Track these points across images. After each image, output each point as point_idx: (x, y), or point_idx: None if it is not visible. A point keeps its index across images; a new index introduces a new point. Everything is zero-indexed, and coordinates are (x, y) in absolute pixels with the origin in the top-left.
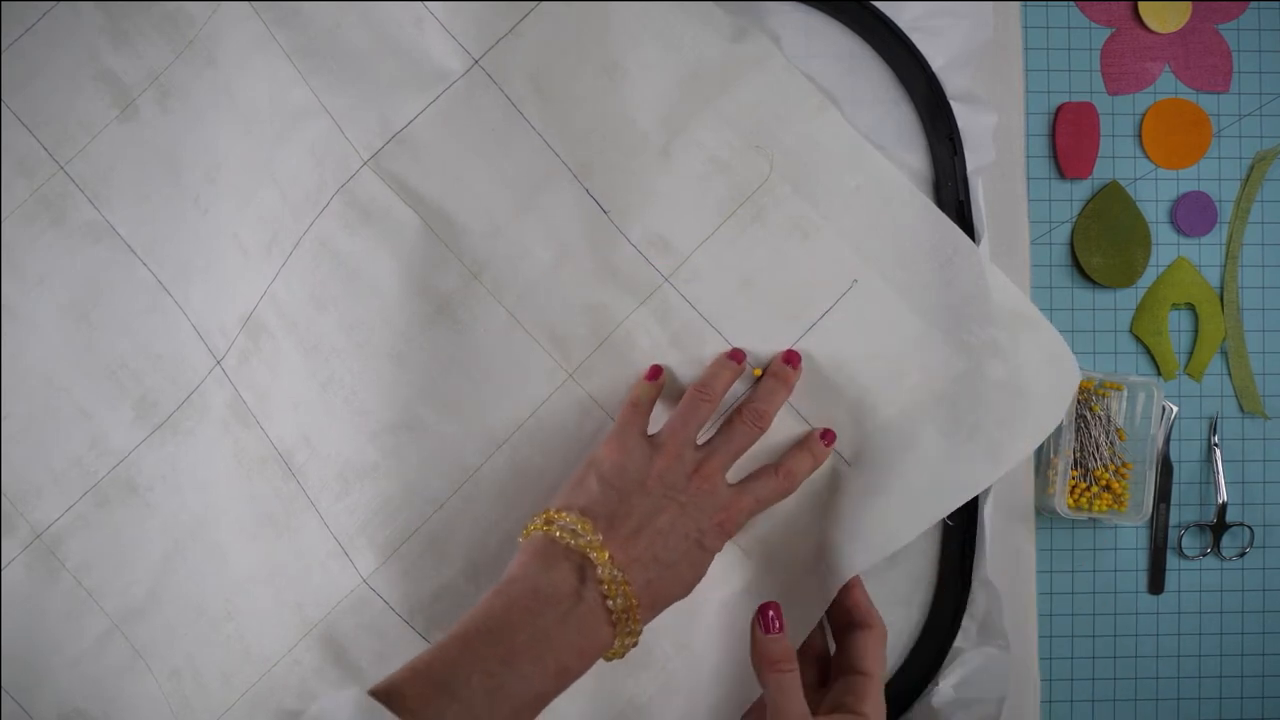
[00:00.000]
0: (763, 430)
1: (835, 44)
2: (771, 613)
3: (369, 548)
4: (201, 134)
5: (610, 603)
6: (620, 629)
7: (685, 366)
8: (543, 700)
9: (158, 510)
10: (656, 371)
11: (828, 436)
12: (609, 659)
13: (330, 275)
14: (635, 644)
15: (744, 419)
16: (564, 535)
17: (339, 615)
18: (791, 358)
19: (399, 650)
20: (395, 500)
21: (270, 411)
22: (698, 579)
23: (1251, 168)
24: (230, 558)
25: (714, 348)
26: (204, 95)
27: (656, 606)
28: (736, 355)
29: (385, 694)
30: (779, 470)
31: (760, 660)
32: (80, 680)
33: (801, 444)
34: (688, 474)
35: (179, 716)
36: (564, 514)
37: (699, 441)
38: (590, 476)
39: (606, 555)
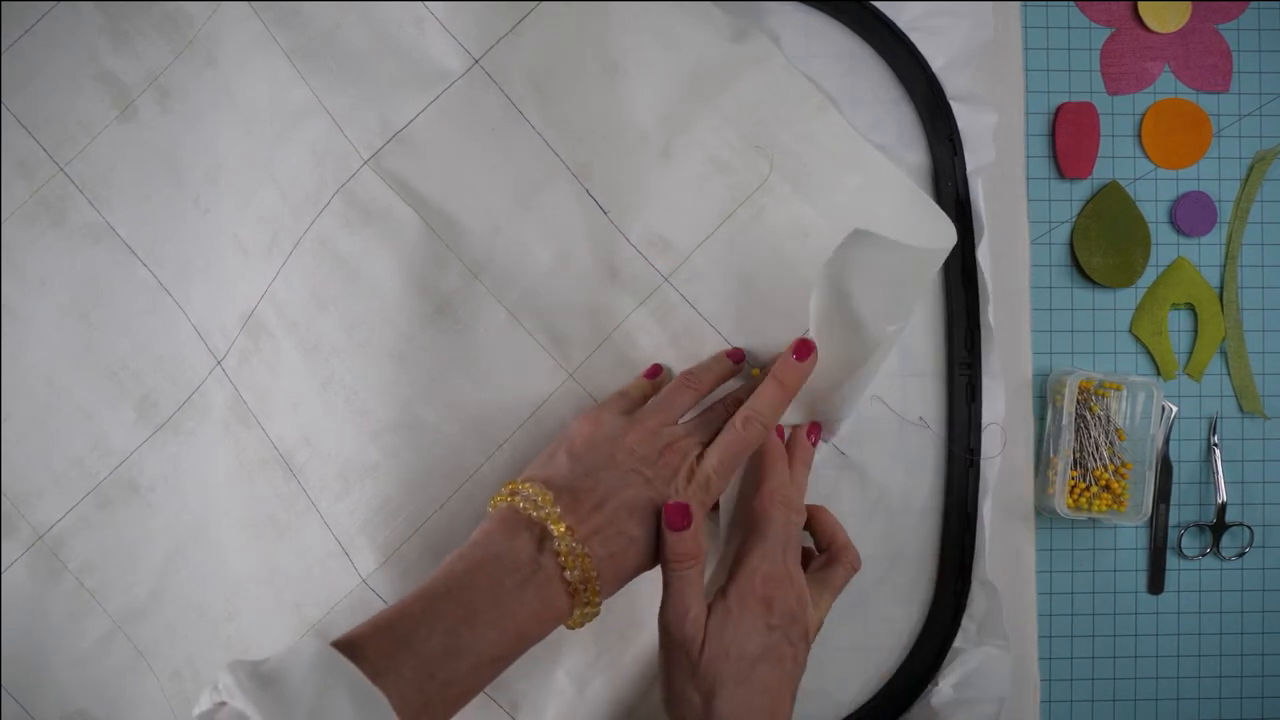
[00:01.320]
0: (760, 434)
1: (835, 44)
2: (676, 512)
3: (369, 548)
4: (201, 134)
5: (568, 574)
6: (578, 600)
7: (685, 366)
8: (500, 662)
9: (159, 511)
10: (656, 370)
11: (814, 432)
12: (570, 628)
13: (330, 275)
14: (595, 614)
15: (736, 420)
16: (526, 506)
17: (338, 615)
18: (802, 349)
19: None
20: (395, 500)
21: (270, 411)
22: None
23: (1251, 168)
24: (231, 558)
25: (714, 348)
26: (204, 95)
27: (620, 579)
28: (735, 355)
29: (347, 646)
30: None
31: (664, 556)
32: (82, 681)
33: (794, 436)
34: (659, 449)
35: (179, 717)
36: (527, 485)
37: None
38: (560, 451)
39: (564, 527)
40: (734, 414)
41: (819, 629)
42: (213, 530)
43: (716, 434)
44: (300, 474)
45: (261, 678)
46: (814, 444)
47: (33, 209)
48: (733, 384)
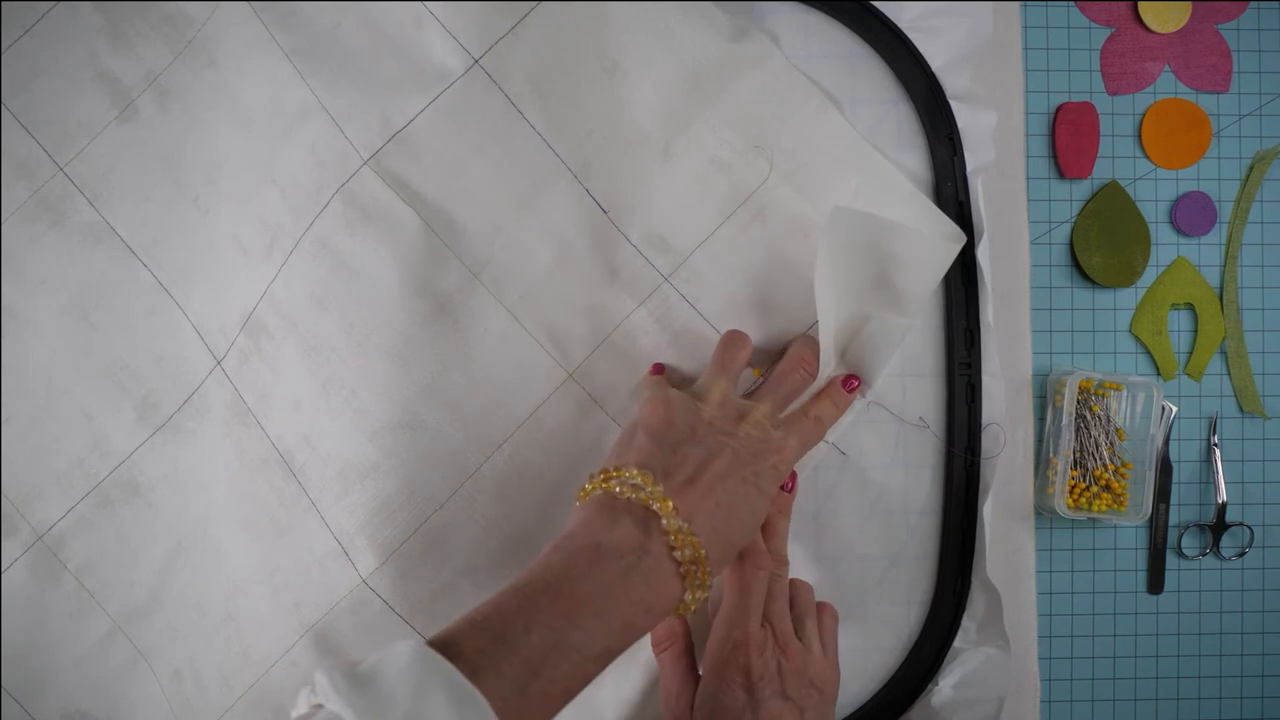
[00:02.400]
0: (811, 375)
1: (835, 44)
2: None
3: (369, 548)
4: (201, 134)
5: (677, 554)
6: (690, 581)
7: (685, 366)
8: (606, 657)
9: (160, 511)
10: (660, 369)
11: (850, 383)
12: (680, 614)
13: (330, 275)
14: (706, 598)
15: (791, 364)
16: (625, 490)
17: (337, 616)
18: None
19: None
20: (395, 500)
21: (270, 412)
22: (757, 525)
23: (1251, 168)
24: (231, 558)
25: (714, 348)
26: (204, 96)
27: (725, 556)
28: None
29: (442, 644)
30: (808, 414)
31: (652, 639)
32: (83, 681)
33: (824, 392)
34: (735, 419)
35: (180, 718)
36: (623, 470)
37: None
38: (638, 434)
39: (670, 505)
40: (787, 370)
41: (837, 675)
42: (213, 530)
43: (782, 399)
44: (300, 474)
45: (357, 679)
46: (852, 392)
47: (33, 209)
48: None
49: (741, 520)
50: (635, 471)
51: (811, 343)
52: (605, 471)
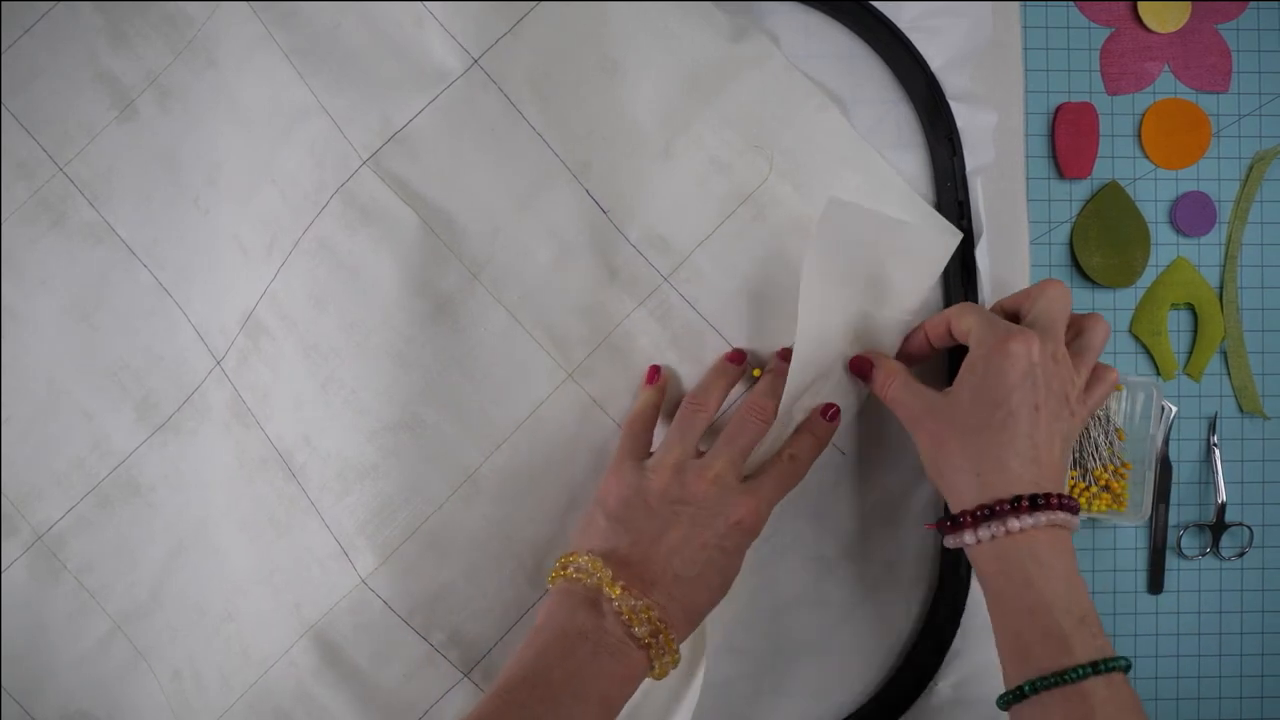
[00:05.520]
0: (766, 423)
1: (835, 44)
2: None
3: (369, 548)
4: (201, 135)
5: (636, 630)
6: (654, 651)
7: (685, 366)
8: None
9: (160, 511)
10: (655, 372)
11: (829, 411)
12: (657, 679)
13: (330, 275)
14: (676, 661)
15: (745, 414)
16: (579, 575)
17: (337, 616)
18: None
19: (397, 650)
20: (395, 500)
21: (270, 412)
22: (728, 583)
23: (1250, 168)
24: (231, 558)
25: (714, 348)
26: (204, 96)
27: (694, 617)
28: (736, 356)
29: None
30: (784, 455)
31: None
32: (83, 681)
33: (803, 426)
34: (690, 484)
35: (180, 718)
36: (576, 556)
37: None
38: (598, 515)
39: (619, 589)
40: (743, 420)
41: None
42: (213, 530)
43: (741, 451)
44: (300, 474)
45: None
46: (832, 421)
47: (33, 209)
48: (741, 389)
49: (706, 583)
50: (585, 558)
51: (774, 383)
52: (563, 558)
